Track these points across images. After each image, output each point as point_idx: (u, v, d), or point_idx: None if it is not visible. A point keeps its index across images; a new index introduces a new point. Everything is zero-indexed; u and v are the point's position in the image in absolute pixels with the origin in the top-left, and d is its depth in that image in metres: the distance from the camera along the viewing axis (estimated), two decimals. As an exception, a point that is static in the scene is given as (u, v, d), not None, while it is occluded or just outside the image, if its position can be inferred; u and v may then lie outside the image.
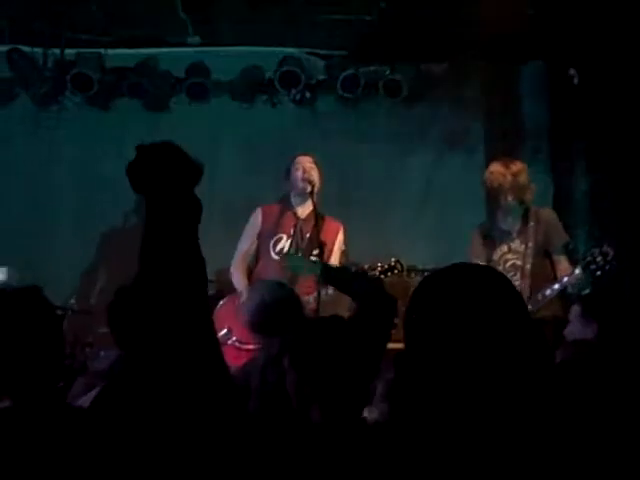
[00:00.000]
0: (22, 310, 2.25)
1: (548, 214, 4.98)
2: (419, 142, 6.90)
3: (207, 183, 6.48)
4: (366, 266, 4.84)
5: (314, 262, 4.77)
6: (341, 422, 2.14)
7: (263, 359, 3.48)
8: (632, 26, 5.67)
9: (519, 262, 4.79)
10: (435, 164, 6.90)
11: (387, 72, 6.51)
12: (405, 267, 4.86)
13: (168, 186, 1.62)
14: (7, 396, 2.21)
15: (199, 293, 1.66)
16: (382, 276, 4.78)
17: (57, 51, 6.23)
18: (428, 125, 6.91)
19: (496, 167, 4.86)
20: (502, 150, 6.87)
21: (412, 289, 1.67)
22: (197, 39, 6.26)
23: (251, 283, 4.95)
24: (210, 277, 5.81)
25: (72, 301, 5.77)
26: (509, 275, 4.56)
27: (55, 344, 2.28)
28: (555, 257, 4.85)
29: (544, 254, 4.86)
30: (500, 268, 4.70)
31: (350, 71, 6.39)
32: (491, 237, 4.94)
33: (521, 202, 4.83)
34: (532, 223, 4.82)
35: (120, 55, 6.37)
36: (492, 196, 4.90)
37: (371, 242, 6.70)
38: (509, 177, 4.79)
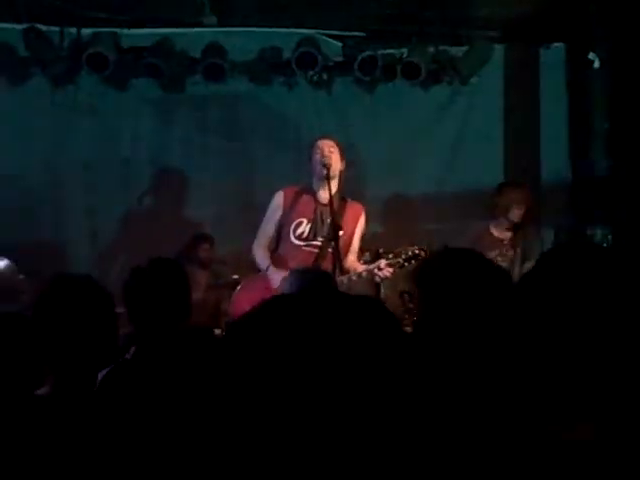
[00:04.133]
0: (81, 297, 2.29)
1: (532, 231, 5.82)
2: (437, 125, 6.84)
3: (224, 164, 6.49)
4: (390, 255, 4.81)
5: None
6: None
7: None
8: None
9: (505, 264, 5.53)
10: (453, 147, 6.84)
11: (405, 54, 6.44)
12: (429, 256, 4.83)
13: None
14: (52, 377, 2.24)
15: None
16: (405, 264, 4.75)
17: (73, 30, 6.20)
18: (446, 108, 6.85)
19: (507, 188, 5.70)
20: (520, 134, 6.86)
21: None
22: (214, 19, 6.20)
23: (273, 265, 4.94)
24: (226, 259, 5.73)
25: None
26: None
27: (110, 330, 2.32)
28: (526, 265, 5.51)
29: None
30: None
31: (368, 53, 6.31)
32: (483, 243, 5.56)
33: (524, 218, 5.64)
34: (520, 236, 5.67)
35: (136, 35, 6.32)
36: (500, 210, 5.65)
37: (389, 226, 6.68)
38: (519, 197, 5.62)
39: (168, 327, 2.86)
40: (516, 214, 5.63)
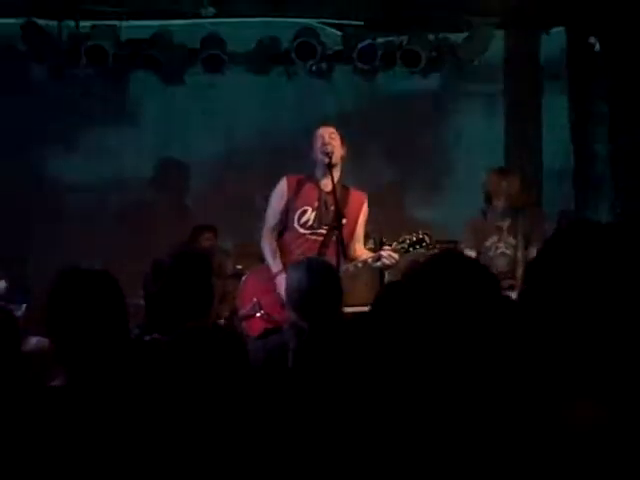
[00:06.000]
0: (95, 289, 2.29)
1: (534, 215, 5.75)
2: (436, 112, 6.82)
3: (223, 155, 6.48)
4: (394, 243, 4.80)
5: None
6: None
7: (294, 339, 3.39)
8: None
9: (509, 252, 5.56)
10: (454, 134, 6.84)
11: (404, 42, 6.41)
12: (433, 240, 4.81)
13: None
14: (65, 370, 2.25)
15: None
16: (410, 249, 4.73)
17: (72, 23, 6.19)
18: (446, 96, 6.83)
19: (493, 175, 5.63)
20: (521, 120, 6.84)
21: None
22: (212, 10, 6.18)
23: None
24: (229, 250, 5.69)
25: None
26: (499, 261, 5.51)
27: (122, 322, 2.33)
28: (530, 250, 5.48)
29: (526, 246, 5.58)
30: (491, 254, 5.54)
31: (367, 41, 6.28)
32: (483, 230, 5.60)
33: (511, 206, 5.57)
34: (521, 221, 5.58)
35: (135, 27, 6.31)
36: (488, 197, 5.60)
37: (388, 215, 6.67)
38: (503, 184, 5.55)
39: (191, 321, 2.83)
40: (498, 204, 5.56)
